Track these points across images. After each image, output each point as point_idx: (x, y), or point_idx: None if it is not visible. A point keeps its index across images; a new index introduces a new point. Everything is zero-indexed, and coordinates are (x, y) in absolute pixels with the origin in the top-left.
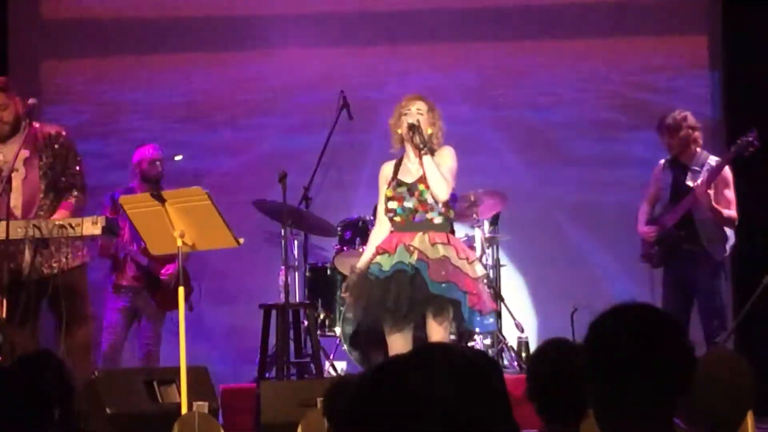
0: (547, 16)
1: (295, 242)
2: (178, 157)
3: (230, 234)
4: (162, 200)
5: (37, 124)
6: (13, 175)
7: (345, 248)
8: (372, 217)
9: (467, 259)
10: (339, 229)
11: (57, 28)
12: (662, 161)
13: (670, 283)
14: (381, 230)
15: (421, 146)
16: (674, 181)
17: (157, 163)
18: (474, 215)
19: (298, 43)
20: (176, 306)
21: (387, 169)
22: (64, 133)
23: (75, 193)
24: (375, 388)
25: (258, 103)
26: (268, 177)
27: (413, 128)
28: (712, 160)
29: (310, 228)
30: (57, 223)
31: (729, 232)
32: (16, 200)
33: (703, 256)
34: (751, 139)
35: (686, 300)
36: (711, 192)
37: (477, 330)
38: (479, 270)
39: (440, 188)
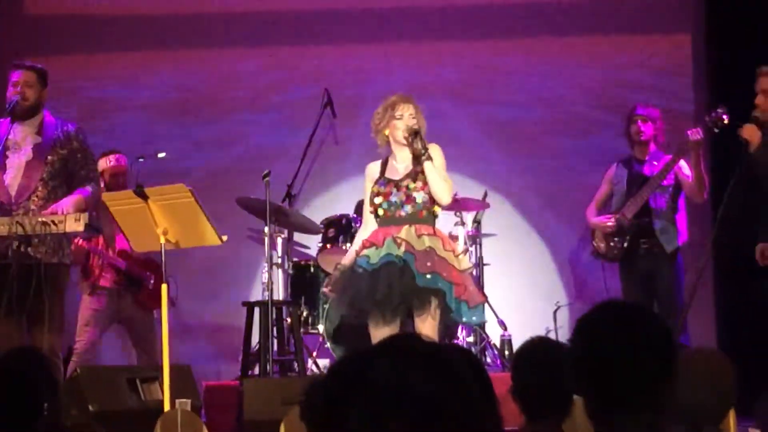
0: (528, 14)
1: (279, 240)
2: (162, 155)
3: (213, 231)
4: (145, 197)
5: (54, 117)
6: (17, 155)
7: (328, 246)
8: (355, 215)
9: (453, 251)
10: (322, 226)
11: (40, 24)
12: (614, 164)
13: (630, 279)
14: (367, 231)
15: (423, 152)
16: (630, 174)
17: (120, 177)
18: (457, 213)
19: (283, 41)
20: (159, 304)
21: (374, 169)
22: (83, 130)
23: (93, 184)
24: (341, 379)
25: (242, 100)
26: (251, 174)
27: (415, 134)
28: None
29: (293, 226)
30: (40, 219)
31: (682, 227)
32: (14, 179)
33: (663, 254)
34: (720, 111)
35: (648, 296)
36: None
37: (464, 321)
38: (465, 263)
39: (444, 192)
